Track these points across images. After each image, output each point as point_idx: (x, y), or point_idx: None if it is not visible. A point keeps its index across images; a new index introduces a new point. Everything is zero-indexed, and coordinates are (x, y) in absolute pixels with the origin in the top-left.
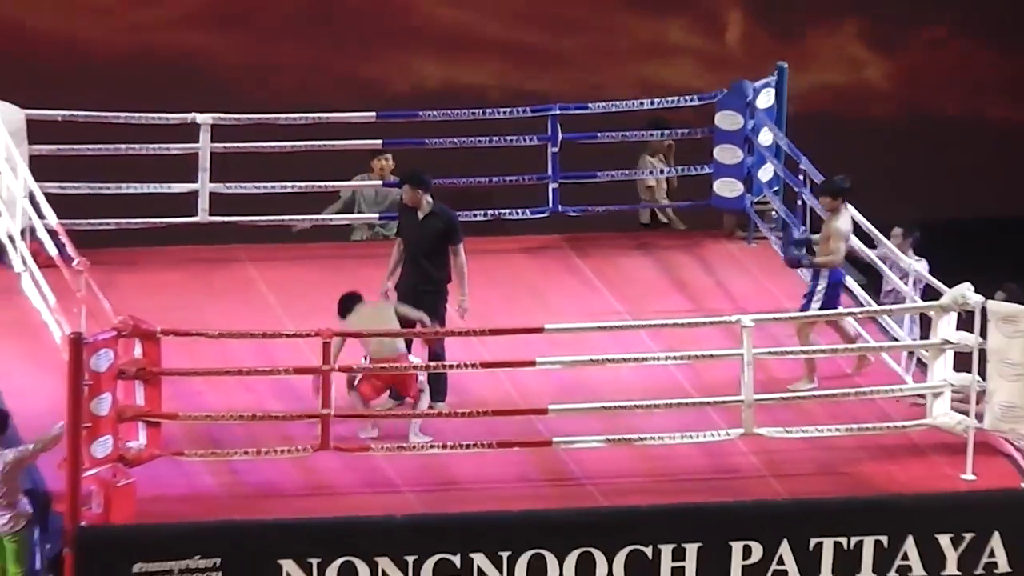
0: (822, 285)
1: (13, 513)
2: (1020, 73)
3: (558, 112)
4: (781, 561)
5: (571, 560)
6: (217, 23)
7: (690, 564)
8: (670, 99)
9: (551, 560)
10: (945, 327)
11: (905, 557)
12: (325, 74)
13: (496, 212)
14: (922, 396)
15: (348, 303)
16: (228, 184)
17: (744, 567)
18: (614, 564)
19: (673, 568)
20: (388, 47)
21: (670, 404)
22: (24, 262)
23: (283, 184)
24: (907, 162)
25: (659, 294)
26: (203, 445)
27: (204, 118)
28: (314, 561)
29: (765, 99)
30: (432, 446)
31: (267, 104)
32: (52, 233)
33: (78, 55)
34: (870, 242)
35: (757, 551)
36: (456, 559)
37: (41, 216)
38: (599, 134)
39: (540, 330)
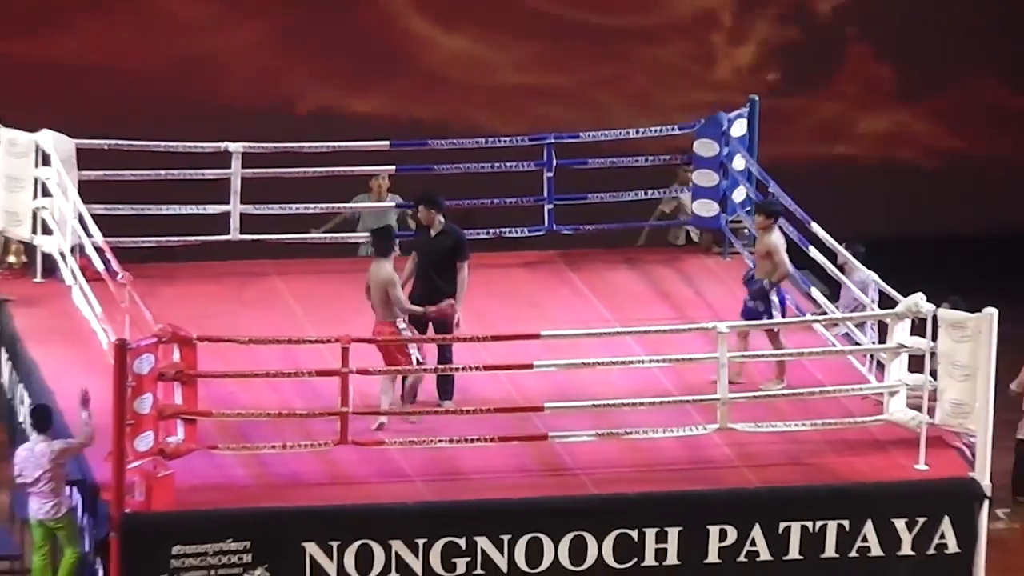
0: (776, 298)
1: (56, 500)
2: None
3: (553, 141)
4: (753, 543)
5: (565, 542)
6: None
7: (672, 546)
8: (653, 128)
9: (547, 542)
10: (900, 332)
11: (865, 539)
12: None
13: (498, 230)
14: (880, 394)
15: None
16: (257, 205)
17: (720, 548)
18: (603, 546)
19: (656, 550)
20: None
21: (654, 402)
22: (74, 276)
23: (306, 205)
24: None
25: (644, 304)
26: (235, 440)
27: (236, 147)
28: (334, 544)
29: (739, 128)
30: (440, 440)
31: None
32: (99, 250)
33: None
34: (832, 256)
35: (732, 534)
36: (462, 542)
37: (89, 235)
38: (589, 160)
39: (537, 336)
